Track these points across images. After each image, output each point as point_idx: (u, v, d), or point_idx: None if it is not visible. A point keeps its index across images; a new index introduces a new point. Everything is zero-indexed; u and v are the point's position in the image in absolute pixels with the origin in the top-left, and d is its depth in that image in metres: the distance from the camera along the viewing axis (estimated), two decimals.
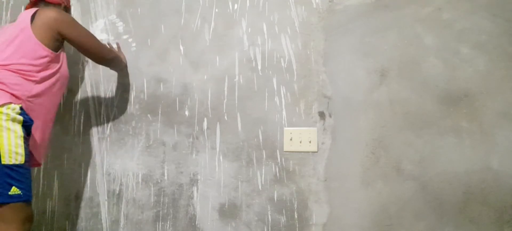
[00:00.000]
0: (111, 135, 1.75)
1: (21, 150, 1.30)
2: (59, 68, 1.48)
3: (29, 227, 1.34)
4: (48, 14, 1.44)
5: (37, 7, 1.52)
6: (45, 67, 1.42)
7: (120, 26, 1.81)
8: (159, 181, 1.68)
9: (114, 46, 1.75)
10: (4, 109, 1.29)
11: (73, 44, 1.50)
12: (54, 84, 1.46)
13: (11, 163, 1.28)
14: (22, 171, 1.31)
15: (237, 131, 1.61)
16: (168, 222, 1.65)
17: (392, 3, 1.52)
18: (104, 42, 1.81)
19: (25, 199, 1.31)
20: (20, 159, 1.30)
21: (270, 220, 1.54)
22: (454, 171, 1.38)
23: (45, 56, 1.42)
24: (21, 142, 1.30)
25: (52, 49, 1.43)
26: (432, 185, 1.39)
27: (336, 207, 1.48)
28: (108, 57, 1.60)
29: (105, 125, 1.76)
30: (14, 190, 1.28)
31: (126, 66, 1.75)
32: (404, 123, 1.45)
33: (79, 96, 1.81)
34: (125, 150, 1.73)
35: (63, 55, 1.52)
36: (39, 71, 1.40)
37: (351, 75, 1.52)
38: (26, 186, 1.33)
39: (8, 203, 1.27)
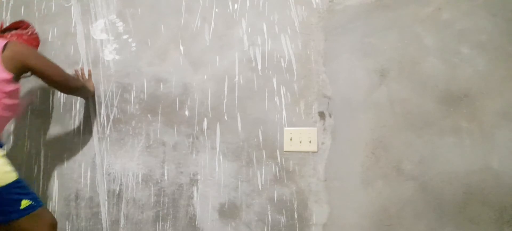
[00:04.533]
0: (111, 135, 1.75)
1: (8, 167, 1.34)
2: (18, 98, 1.51)
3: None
4: (18, 47, 1.46)
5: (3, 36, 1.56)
6: (10, 95, 1.43)
7: (120, 26, 1.81)
8: (159, 181, 1.68)
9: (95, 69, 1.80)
10: None
11: (40, 75, 1.50)
12: (14, 112, 1.50)
13: (7, 184, 1.31)
14: (21, 184, 1.36)
15: (237, 131, 1.61)
16: (168, 222, 1.65)
17: (392, 3, 1.52)
18: (104, 43, 1.82)
19: (38, 206, 1.37)
20: (13, 175, 1.33)
21: (270, 220, 1.54)
22: (454, 171, 1.38)
23: (13, 87, 1.44)
24: (3, 160, 1.34)
25: (15, 81, 1.45)
26: (432, 185, 1.39)
27: (336, 207, 1.48)
28: (73, 87, 1.62)
29: (105, 125, 1.76)
30: (25, 203, 1.33)
31: (93, 95, 1.78)
32: (404, 123, 1.45)
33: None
34: (125, 150, 1.73)
35: (20, 87, 1.53)
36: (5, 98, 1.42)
37: (351, 75, 1.52)
38: (32, 194, 1.39)
39: (23, 216, 1.32)
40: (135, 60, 1.77)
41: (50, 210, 1.77)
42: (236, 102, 1.63)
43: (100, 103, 1.78)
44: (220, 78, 1.66)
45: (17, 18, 1.95)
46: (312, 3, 1.60)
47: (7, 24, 1.71)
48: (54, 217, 1.44)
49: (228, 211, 1.59)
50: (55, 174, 1.79)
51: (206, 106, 1.66)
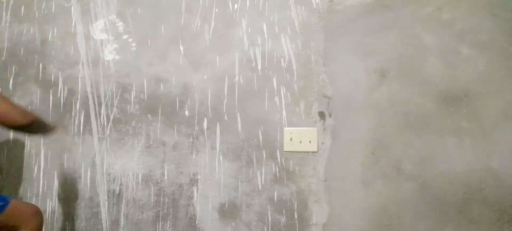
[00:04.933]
0: (111, 135, 1.75)
1: None
2: None
3: (40, 220, 1.39)
4: None
5: None
6: None
7: (120, 26, 1.81)
8: (159, 181, 1.68)
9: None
10: None
11: None
12: None
13: None
14: None
15: (237, 131, 1.61)
16: (168, 222, 1.65)
17: (392, 3, 1.52)
18: (104, 43, 1.81)
19: (6, 203, 1.33)
20: None
21: (270, 220, 1.54)
22: (454, 171, 1.38)
23: None
24: None
25: None
26: (432, 185, 1.39)
27: (336, 207, 1.48)
28: (21, 124, 1.27)
29: (105, 125, 1.76)
30: None
31: (52, 131, 1.47)
32: (404, 123, 1.45)
33: (79, 96, 1.81)
34: (125, 150, 1.73)
35: None
36: None
37: (351, 75, 1.52)
38: None
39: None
40: (135, 60, 1.77)
41: (50, 210, 1.77)
42: (236, 102, 1.63)
43: (100, 103, 1.78)
44: (220, 78, 1.66)
45: (17, 18, 1.95)
46: (312, 3, 1.60)
47: None
48: (34, 205, 1.42)
49: (228, 211, 1.59)
50: (55, 174, 1.79)
51: (206, 106, 1.66)
